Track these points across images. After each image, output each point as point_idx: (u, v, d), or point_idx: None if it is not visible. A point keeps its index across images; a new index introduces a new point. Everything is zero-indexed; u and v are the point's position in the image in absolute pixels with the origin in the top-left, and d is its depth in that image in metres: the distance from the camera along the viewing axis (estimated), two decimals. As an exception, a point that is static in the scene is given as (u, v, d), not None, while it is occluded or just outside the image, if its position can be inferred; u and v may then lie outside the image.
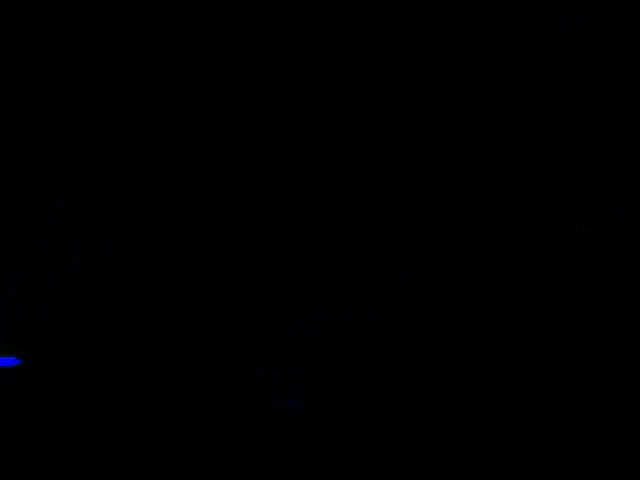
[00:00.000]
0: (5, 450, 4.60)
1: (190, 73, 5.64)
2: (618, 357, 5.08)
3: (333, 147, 5.66)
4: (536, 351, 5.22)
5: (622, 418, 4.89)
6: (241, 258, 5.63)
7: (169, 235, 5.55)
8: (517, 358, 5.21)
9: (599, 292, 5.23)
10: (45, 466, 4.64)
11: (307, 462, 4.85)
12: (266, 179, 5.65)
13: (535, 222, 5.40)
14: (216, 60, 5.65)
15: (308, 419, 5.03)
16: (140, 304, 5.38)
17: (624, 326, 5.11)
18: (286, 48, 5.60)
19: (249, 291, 5.55)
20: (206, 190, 5.62)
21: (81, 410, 4.95)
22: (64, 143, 5.55)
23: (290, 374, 5.23)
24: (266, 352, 5.35)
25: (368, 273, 5.60)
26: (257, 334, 5.40)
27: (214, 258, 5.58)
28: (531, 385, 5.14)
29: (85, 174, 5.55)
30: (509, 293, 5.38)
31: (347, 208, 5.65)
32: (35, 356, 5.02)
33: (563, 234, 5.35)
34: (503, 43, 5.36)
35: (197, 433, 4.97)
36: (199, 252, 5.57)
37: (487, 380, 5.20)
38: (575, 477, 4.74)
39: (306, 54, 5.60)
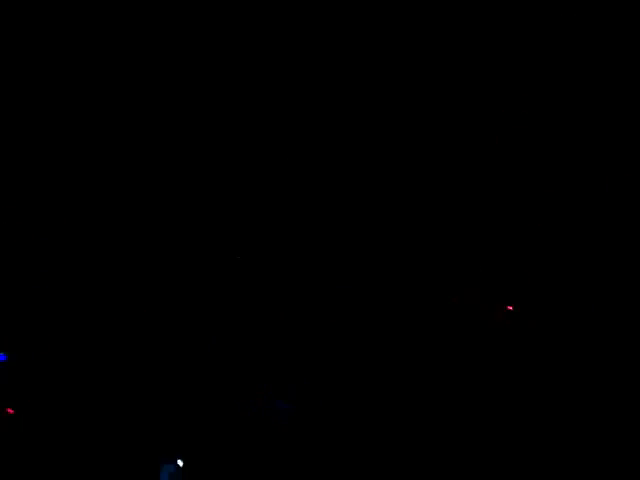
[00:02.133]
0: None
1: (188, 77, 5.62)
2: (618, 353, 5.07)
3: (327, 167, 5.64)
4: (536, 349, 5.21)
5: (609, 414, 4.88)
6: (242, 258, 5.62)
7: (169, 236, 5.54)
8: (519, 357, 5.20)
9: (599, 291, 5.21)
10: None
11: (303, 458, 4.86)
12: (267, 183, 5.65)
13: (535, 222, 5.39)
14: (215, 63, 5.63)
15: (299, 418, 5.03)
16: (140, 303, 5.37)
17: (623, 323, 5.10)
18: (287, 50, 5.57)
19: (249, 292, 5.54)
20: (207, 191, 5.62)
21: (80, 406, 4.97)
22: (64, 144, 5.54)
23: (286, 377, 5.23)
24: (266, 353, 5.34)
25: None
26: (257, 335, 5.40)
27: (214, 258, 5.57)
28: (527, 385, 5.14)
29: (85, 175, 5.54)
30: (509, 291, 5.37)
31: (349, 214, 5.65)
32: (31, 354, 5.05)
33: (563, 233, 5.33)
34: (503, 43, 5.34)
35: (195, 428, 4.97)
36: (199, 252, 5.56)
37: (484, 376, 5.20)
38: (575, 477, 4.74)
39: (306, 55, 5.58)
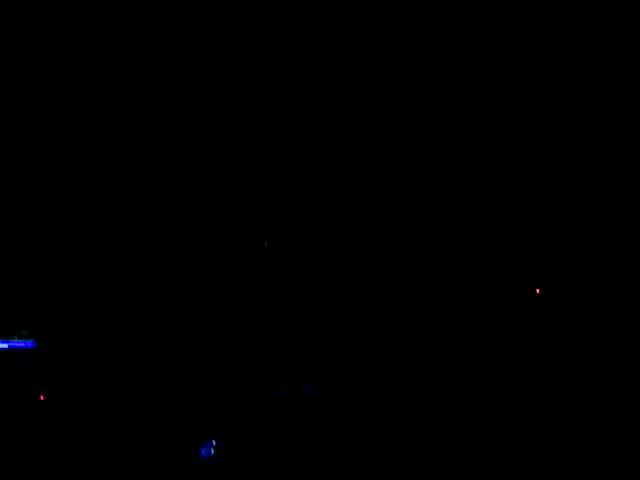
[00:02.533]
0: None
1: (189, 77, 5.63)
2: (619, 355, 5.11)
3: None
4: (538, 353, 5.24)
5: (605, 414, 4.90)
6: (241, 260, 5.62)
7: (170, 236, 5.54)
8: (523, 360, 5.22)
9: (598, 293, 5.25)
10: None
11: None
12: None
13: (535, 222, 5.43)
14: (215, 63, 5.64)
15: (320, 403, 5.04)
16: (142, 302, 5.37)
17: (623, 324, 5.14)
18: (287, 50, 5.60)
19: (251, 291, 5.54)
20: (205, 191, 5.62)
21: (85, 404, 4.99)
22: (64, 144, 5.53)
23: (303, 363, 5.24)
24: (270, 347, 5.34)
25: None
26: (260, 333, 5.40)
27: (215, 259, 5.57)
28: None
29: (85, 175, 5.53)
30: (509, 292, 5.40)
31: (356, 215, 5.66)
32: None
33: (563, 233, 5.38)
34: (503, 43, 5.39)
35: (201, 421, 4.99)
36: (199, 252, 5.56)
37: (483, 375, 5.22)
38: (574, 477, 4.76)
39: (306, 56, 5.61)
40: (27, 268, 5.31)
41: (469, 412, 5.09)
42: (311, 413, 5.06)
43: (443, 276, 5.51)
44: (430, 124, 5.61)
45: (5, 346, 5.15)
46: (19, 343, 5.12)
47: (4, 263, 5.32)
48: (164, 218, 5.56)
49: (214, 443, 4.85)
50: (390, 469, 4.89)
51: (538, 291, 5.33)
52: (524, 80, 5.41)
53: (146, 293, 5.41)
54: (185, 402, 5.09)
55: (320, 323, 5.45)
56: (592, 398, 4.99)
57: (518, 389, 5.13)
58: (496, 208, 5.53)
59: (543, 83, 5.39)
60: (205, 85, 5.64)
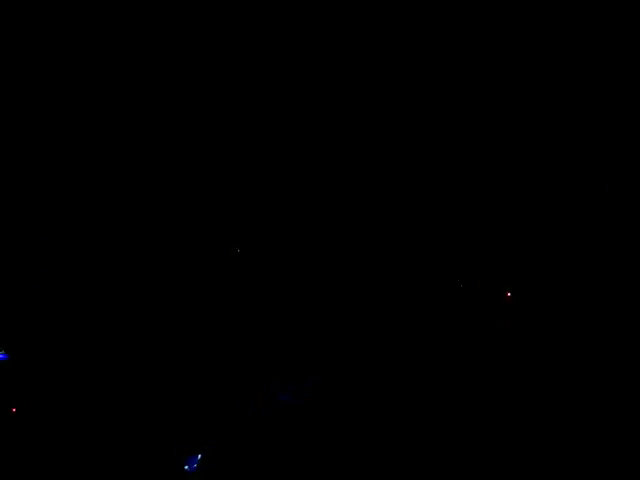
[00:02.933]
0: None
1: (189, 77, 5.62)
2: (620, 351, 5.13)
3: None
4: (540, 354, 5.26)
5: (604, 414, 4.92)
6: (240, 251, 5.63)
7: (171, 237, 5.55)
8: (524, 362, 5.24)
9: (598, 293, 5.26)
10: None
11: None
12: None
13: (534, 222, 5.43)
14: (215, 63, 5.63)
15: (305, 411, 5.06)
16: (143, 303, 5.38)
17: (623, 325, 5.15)
18: (287, 50, 5.58)
19: (253, 295, 5.56)
20: (206, 189, 5.63)
21: (81, 406, 5.00)
22: (64, 144, 5.53)
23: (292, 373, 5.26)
24: (268, 350, 5.36)
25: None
26: (258, 332, 5.42)
27: (213, 257, 5.58)
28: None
29: (85, 176, 5.53)
30: (508, 290, 5.41)
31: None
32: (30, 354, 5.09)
33: (563, 233, 5.38)
34: (503, 43, 5.38)
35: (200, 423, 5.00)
36: (199, 251, 5.57)
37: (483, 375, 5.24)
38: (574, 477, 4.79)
39: (306, 56, 5.59)
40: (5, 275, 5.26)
41: (467, 412, 5.12)
42: (309, 414, 5.09)
43: (442, 278, 5.52)
44: (430, 126, 5.60)
45: None
46: None
47: None
48: (157, 220, 5.56)
49: (199, 458, 4.84)
50: (389, 470, 4.92)
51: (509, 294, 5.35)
52: (524, 80, 5.40)
53: (136, 295, 5.40)
54: (175, 404, 5.11)
55: (319, 323, 5.47)
56: (586, 393, 5.02)
57: (517, 388, 5.15)
58: (495, 208, 5.53)
59: (543, 83, 5.38)
60: (181, 96, 5.63)
